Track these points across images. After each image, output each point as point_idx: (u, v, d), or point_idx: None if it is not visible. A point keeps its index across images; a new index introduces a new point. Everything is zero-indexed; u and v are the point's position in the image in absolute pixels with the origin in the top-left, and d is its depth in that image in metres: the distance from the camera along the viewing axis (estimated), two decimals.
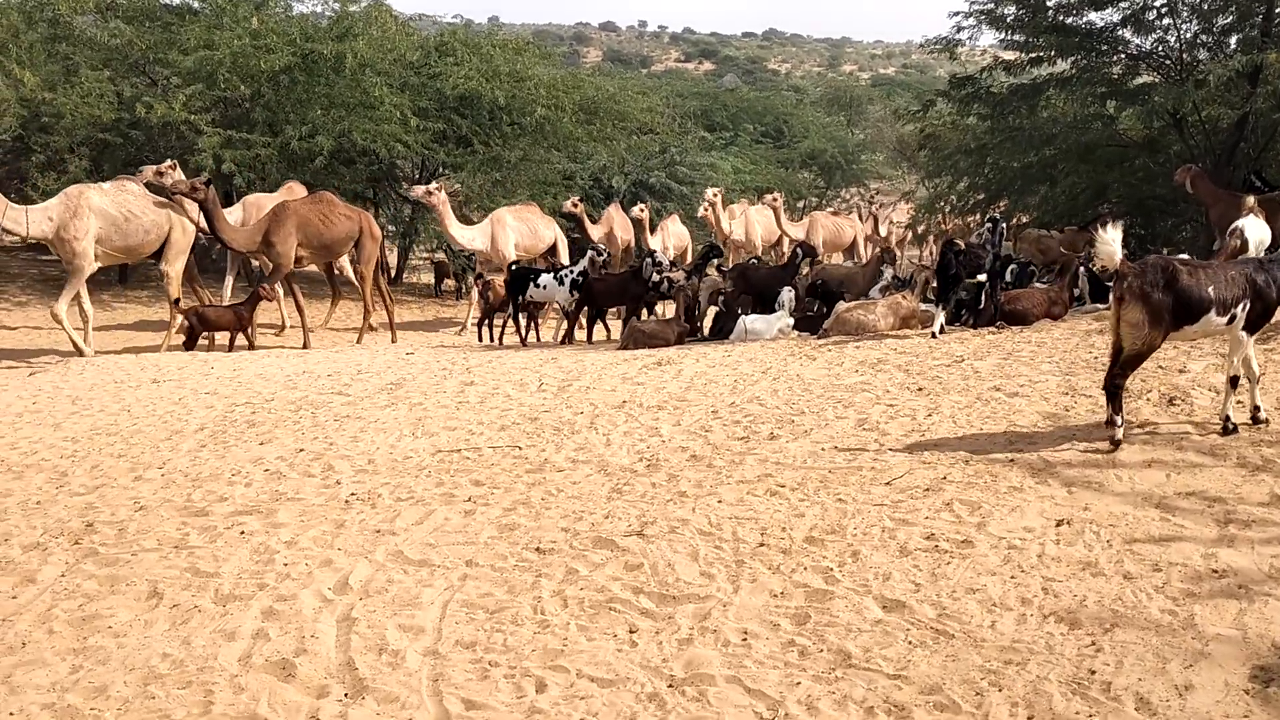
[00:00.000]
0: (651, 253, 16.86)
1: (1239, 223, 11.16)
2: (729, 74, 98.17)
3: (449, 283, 26.40)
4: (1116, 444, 6.32)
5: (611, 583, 4.90)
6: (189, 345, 14.91)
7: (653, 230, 21.56)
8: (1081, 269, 13.27)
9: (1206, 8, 15.05)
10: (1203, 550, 4.85)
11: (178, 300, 16.16)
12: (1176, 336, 6.57)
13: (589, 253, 15.91)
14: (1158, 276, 6.36)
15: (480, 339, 16.53)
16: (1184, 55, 15.32)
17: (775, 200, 22.33)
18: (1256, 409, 6.70)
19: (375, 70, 22.66)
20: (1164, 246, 16.94)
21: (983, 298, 12.11)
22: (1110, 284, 13.47)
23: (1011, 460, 6.24)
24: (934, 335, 11.32)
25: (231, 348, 15.15)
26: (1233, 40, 15.36)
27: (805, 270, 18.08)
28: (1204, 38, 15.70)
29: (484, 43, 26.09)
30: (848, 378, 9.00)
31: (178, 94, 20.61)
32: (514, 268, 16.80)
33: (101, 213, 14.15)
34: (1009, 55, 16.29)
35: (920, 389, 8.20)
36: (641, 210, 20.72)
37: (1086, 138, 15.94)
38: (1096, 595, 4.47)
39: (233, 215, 17.18)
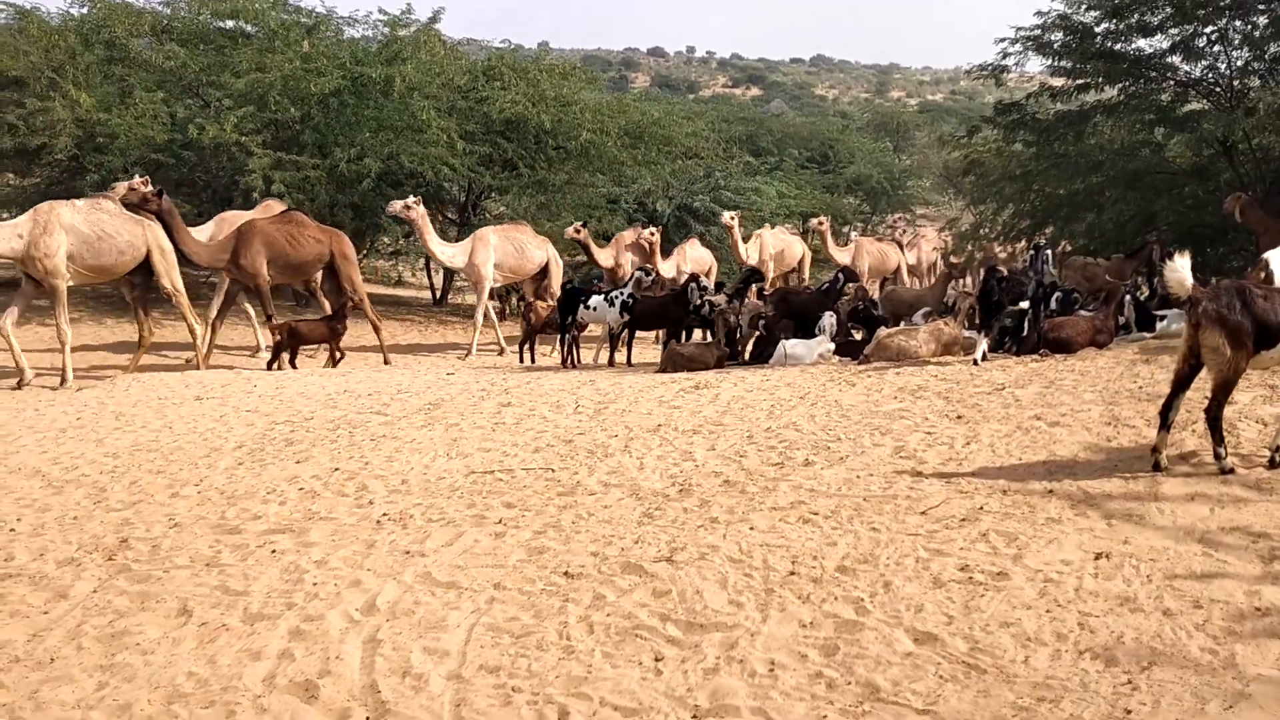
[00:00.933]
0: (695, 276, 16.85)
1: (1268, 254, 10.92)
2: (776, 99, 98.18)
3: (492, 304, 26.54)
4: (1228, 472, 6.21)
5: (639, 609, 4.85)
6: (290, 359, 15.22)
7: (665, 254, 21.33)
8: (1128, 297, 13.09)
9: (1258, 35, 14.84)
10: (1245, 587, 4.72)
11: (270, 316, 16.36)
12: (1254, 364, 6.44)
13: (636, 274, 15.93)
14: (1233, 299, 6.25)
15: (521, 360, 16.57)
16: (1234, 82, 15.10)
17: (821, 224, 22.27)
18: None
19: (423, 94, 22.91)
20: (1213, 275, 16.69)
21: (1025, 325, 11.97)
22: (1158, 312, 13.37)
23: (1050, 491, 6.12)
24: (976, 362, 11.20)
25: (333, 359, 15.53)
26: None
27: (848, 294, 18.06)
28: (1255, 65, 15.48)
29: (531, 67, 26.26)
30: (886, 404, 8.90)
31: (229, 116, 20.92)
32: (566, 288, 16.84)
33: (73, 229, 13.79)
34: (1056, 81, 16.15)
35: (959, 417, 8.10)
36: (652, 234, 20.47)
37: (1134, 165, 15.75)
38: (1134, 632, 4.36)
39: (206, 231, 17.02)
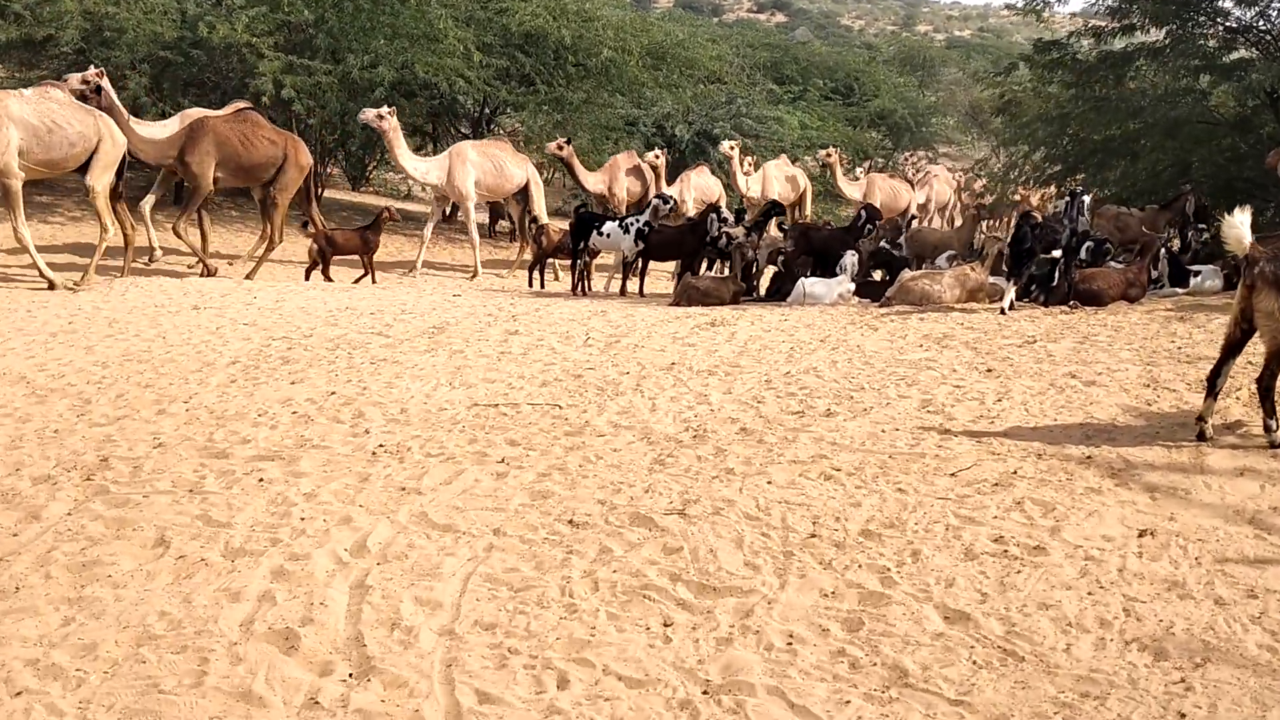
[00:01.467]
0: (716, 206, 16.36)
1: None
2: (801, 27, 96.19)
3: (503, 224, 26.01)
4: (1277, 446, 5.84)
5: (648, 567, 4.51)
6: (323, 270, 15.05)
7: (670, 180, 20.54)
8: (1162, 250, 12.62)
9: None
10: None
11: (306, 224, 16.24)
12: None
13: (654, 201, 15.43)
14: None
15: (530, 285, 16.15)
16: None
17: (830, 155, 21.58)
18: None
19: (441, 2, 22.20)
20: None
21: (1056, 274, 11.51)
22: (1192, 267, 12.90)
23: (1089, 458, 5.75)
24: (1003, 311, 10.79)
25: (368, 273, 15.34)
26: None
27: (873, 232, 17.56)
28: None
29: None
30: (911, 353, 8.51)
31: (240, 15, 20.19)
32: (580, 212, 16.37)
33: (22, 122, 12.77)
34: (1099, 21, 15.46)
35: (989, 370, 7.70)
36: (656, 157, 19.76)
37: (1175, 113, 15.12)
38: (1185, 622, 4.01)
39: (168, 129, 15.97)
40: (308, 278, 15.28)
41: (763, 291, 14.56)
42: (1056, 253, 13.08)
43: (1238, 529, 4.85)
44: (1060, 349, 8.34)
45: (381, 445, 6.13)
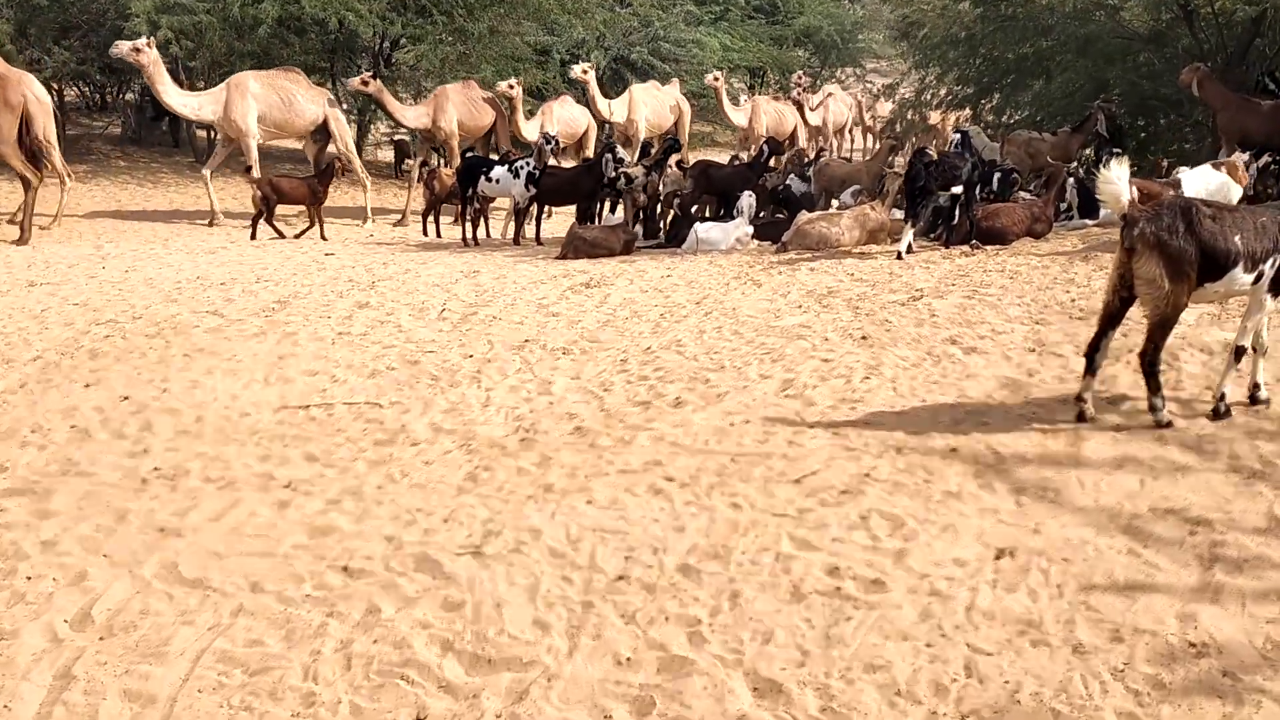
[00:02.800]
0: (611, 145, 15.49)
1: (1181, 173, 9.90)
2: None
3: (410, 163, 24.88)
4: (1165, 425, 5.26)
5: (417, 633, 3.81)
6: (266, 217, 14.36)
7: (530, 115, 19.14)
8: (1070, 180, 12.01)
9: None
10: (1179, 607, 3.77)
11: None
12: (1197, 297, 5.40)
13: (538, 142, 14.53)
14: (1175, 221, 5.17)
15: (425, 233, 15.22)
16: None
17: (717, 80, 20.60)
18: (1256, 386, 5.59)
19: None
20: (1164, 153, 15.60)
21: (957, 212, 10.85)
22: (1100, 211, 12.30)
23: (954, 450, 5.12)
24: (899, 255, 10.16)
25: (313, 224, 14.65)
26: None
27: (776, 165, 16.79)
28: None
29: None
30: (788, 315, 7.82)
31: None
32: (466, 157, 15.43)
33: None
34: None
35: (865, 337, 7.04)
36: (510, 87, 17.83)
37: (1086, 29, 14.44)
38: (1035, 682, 3.39)
39: None
40: (254, 233, 14.47)
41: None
42: (958, 189, 12.45)
43: (1110, 541, 4.24)
44: (945, 306, 7.69)
45: (157, 469, 5.34)
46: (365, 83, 17.11)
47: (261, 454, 5.47)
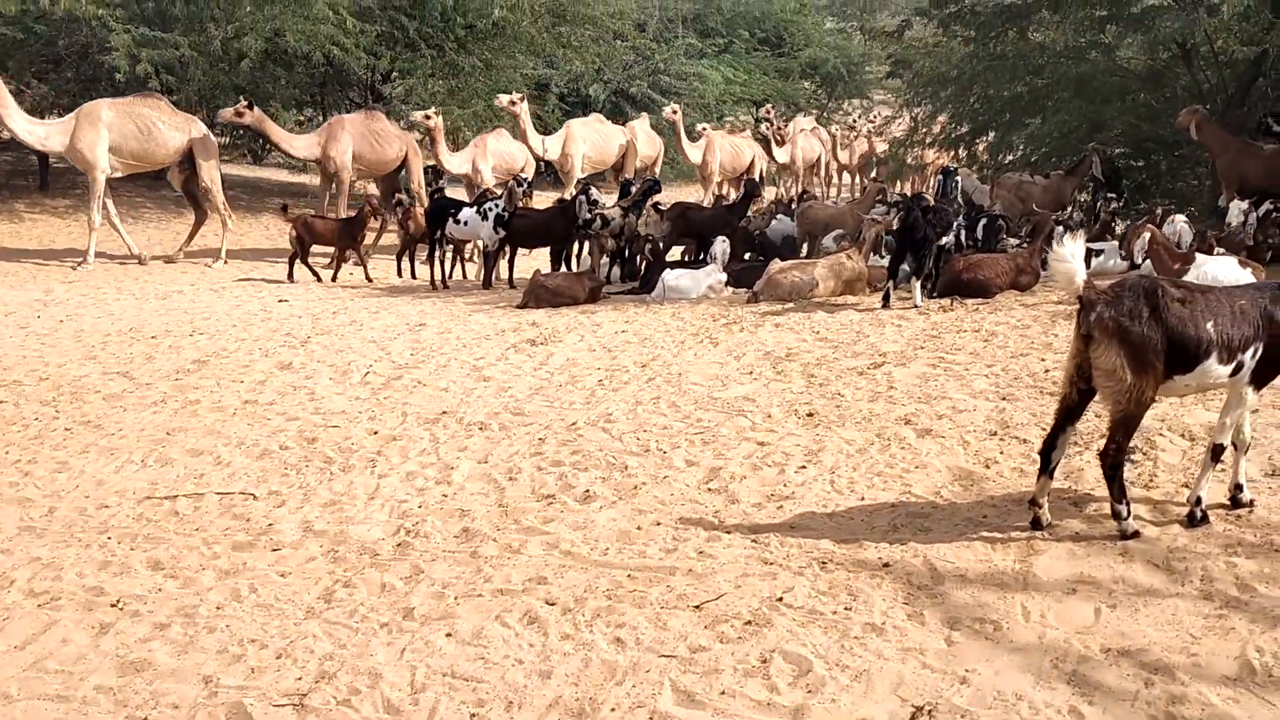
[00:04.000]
0: (586, 187, 14.91)
1: (1201, 261, 9.14)
2: None
3: (401, 195, 24.41)
4: (1130, 537, 4.58)
5: None
6: (301, 258, 14.05)
7: (457, 146, 18.25)
8: (1060, 229, 11.33)
9: None
10: None
11: (285, 207, 15.17)
12: (1165, 391, 4.72)
13: (510, 183, 13.94)
14: (1139, 304, 4.51)
15: (400, 274, 14.61)
16: None
17: (675, 113, 19.75)
18: (1238, 488, 4.89)
19: None
20: (1163, 197, 14.92)
21: (929, 262, 10.17)
22: (1094, 245, 11.64)
23: (885, 567, 4.44)
24: (886, 305, 9.66)
25: (337, 267, 14.32)
26: None
27: (757, 208, 16.16)
28: None
29: None
30: (735, 384, 7.17)
31: None
32: (435, 197, 14.86)
33: None
34: None
35: (811, 414, 6.37)
36: (427, 117, 16.69)
37: (1080, 68, 13.81)
38: None
39: None
40: (290, 274, 14.12)
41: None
42: (948, 239, 11.84)
43: (1049, 695, 3.56)
44: (906, 377, 7.03)
45: None
46: (240, 113, 16.02)
47: (102, 560, 4.82)
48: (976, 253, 11.78)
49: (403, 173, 18.55)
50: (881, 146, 21.23)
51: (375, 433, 6.44)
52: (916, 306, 9.71)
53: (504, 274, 13.75)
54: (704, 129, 21.85)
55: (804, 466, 5.52)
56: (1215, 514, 4.78)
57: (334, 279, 14.16)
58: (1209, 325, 4.56)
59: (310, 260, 14.15)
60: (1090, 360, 4.58)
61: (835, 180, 27.75)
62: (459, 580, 4.49)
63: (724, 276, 11.92)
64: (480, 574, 4.53)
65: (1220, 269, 9.11)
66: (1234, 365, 4.63)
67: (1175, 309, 4.54)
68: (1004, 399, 6.45)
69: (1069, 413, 4.73)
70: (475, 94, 24.45)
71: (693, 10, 42.94)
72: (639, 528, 4.92)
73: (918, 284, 9.88)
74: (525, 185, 14.12)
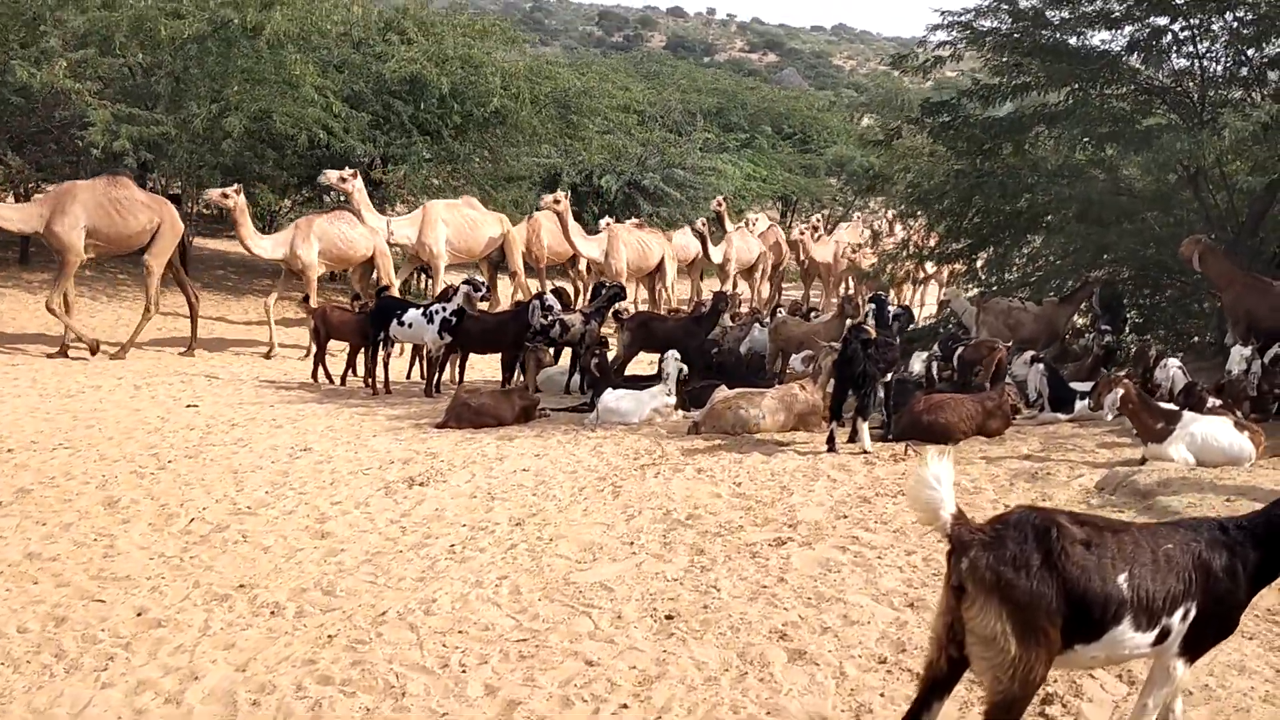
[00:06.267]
0: (540, 294, 13.96)
1: (1187, 422, 7.84)
2: (789, 68, 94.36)
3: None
4: None
5: None
6: (319, 349, 13.69)
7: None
8: (1039, 367, 10.16)
9: (1243, 31, 11.72)
10: None
11: (306, 298, 14.91)
12: (1063, 664, 3.54)
13: (463, 286, 12.99)
14: (1026, 548, 3.39)
15: (315, 379, 13.59)
16: (1208, 92, 12.01)
17: (557, 202, 17.54)
18: None
19: (307, 45, 19.87)
20: (1165, 331, 13.71)
21: (872, 400, 9.01)
22: (1078, 385, 10.43)
23: None
24: (831, 449, 8.55)
25: (350, 365, 13.90)
26: (1275, 77, 12.08)
27: (733, 319, 15.12)
28: (1240, 70, 12.39)
29: (439, 23, 23.27)
30: (606, 561, 6.01)
31: (59, 59, 17.55)
32: (380, 296, 13.97)
33: None
34: (988, 80, 13.04)
35: (670, 616, 5.18)
36: (225, 196, 15.52)
37: (1076, 189, 12.72)
38: None
39: None
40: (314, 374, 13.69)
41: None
42: (918, 367, 10.73)
43: None
44: (807, 563, 5.83)
45: None
46: (226, 195, 15.43)
47: None
48: (956, 387, 10.67)
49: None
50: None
51: (141, 614, 5.31)
52: (866, 452, 8.60)
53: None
54: (607, 223, 19.96)
55: (625, 706, 4.32)
56: None
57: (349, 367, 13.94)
58: (1121, 578, 3.40)
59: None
60: (963, 619, 3.42)
61: (774, 286, 25.85)
62: None
63: (672, 399, 10.83)
64: None
65: (1211, 430, 7.89)
66: (1157, 632, 3.45)
67: (1077, 555, 3.38)
68: (911, 605, 5.24)
69: (935, 685, 3.55)
70: (474, 181, 23.86)
71: (716, 105, 42.58)
72: None
73: (864, 426, 8.75)
74: (483, 288, 13.14)
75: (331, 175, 15.90)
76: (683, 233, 22.45)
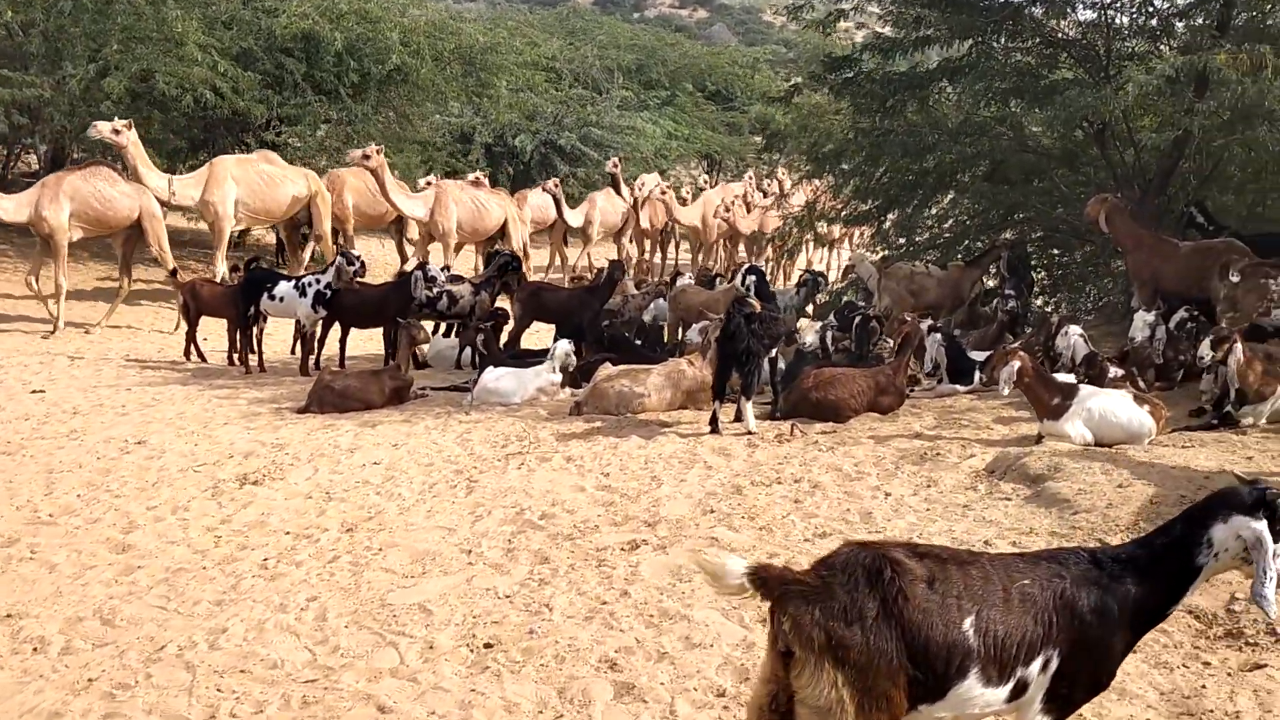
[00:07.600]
0: (422, 263, 13.15)
1: (1084, 395, 7.37)
2: (718, 24, 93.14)
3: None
4: None
5: None
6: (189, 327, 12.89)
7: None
8: (936, 337, 9.64)
9: None
10: None
11: (175, 271, 14.02)
12: None
13: (337, 259, 12.17)
14: (859, 595, 2.81)
15: (188, 357, 12.73)
16: (1113, 46, 11.50)
17: (367, 157, 15.23)
18: None
19: (182, 1, 18.72)
20: (1075, 293, 13.32)
21: (756, 377, 8.47)
22: (977, 354, 9.95)
23: None
24: (714, 430, 8.00)
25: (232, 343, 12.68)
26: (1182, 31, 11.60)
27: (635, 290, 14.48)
28: (1150, 22, 11.89)
29: None
30: (435, 574, 5.36)
31: None
32: (250, 269, 13.10)
33: None
34: (892, 31, 12.44)
35: (490, 643, 4.55)
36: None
37: (981, 147, 12.21)
38: None
39: None
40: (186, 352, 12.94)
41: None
42: (812, 338, 10.18)
43: None
44: (656, 572, 5.22)
45: None
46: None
47: None
48: (852, 360, 10.13)
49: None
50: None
51: None
52: (750, 433, 8.04)
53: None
54: (429, 180, 17.93)
55: None
56: None
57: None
58: (967, 623, 2.82)
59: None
60: (790, 685, 2.83)
61: (648, 250, 23.74)
62: None
63: (558, 378, 10.19)
64: None
65: (1109, 405, 7.40)
66: (1011, 686, 2.89)
67: (918, 597, 2.82)
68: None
69: None
70: (370, 139, 22.85)
71: (635, 61, 41.55)
72: None
73: (749, 405, 8.19)
74: (358, 262, 12.28)
75: (103, 127, 14.01)
76: (537, 192, 20.77)
